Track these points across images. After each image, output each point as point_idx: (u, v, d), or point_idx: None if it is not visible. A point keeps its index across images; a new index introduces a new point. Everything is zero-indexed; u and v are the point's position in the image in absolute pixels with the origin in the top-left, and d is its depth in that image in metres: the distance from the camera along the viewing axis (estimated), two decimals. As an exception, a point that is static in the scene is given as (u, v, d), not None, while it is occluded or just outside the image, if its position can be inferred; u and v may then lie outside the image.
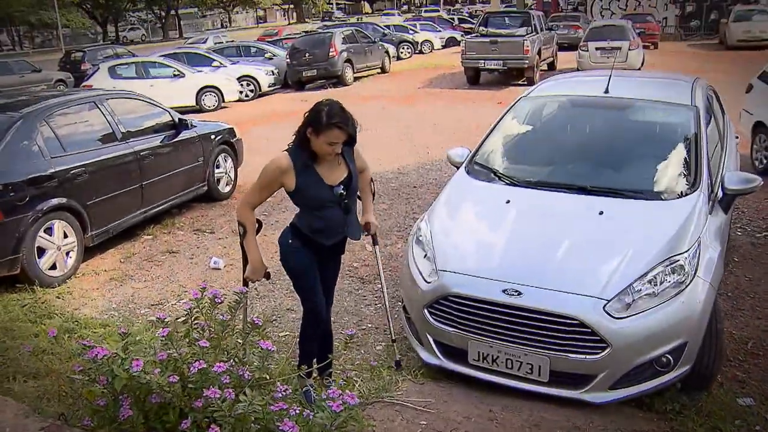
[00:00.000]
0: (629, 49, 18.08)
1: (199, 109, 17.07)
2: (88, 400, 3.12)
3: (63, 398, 3.74)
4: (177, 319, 4.28)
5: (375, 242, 4.09)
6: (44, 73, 24.04)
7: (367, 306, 5.40)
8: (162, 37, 62.16)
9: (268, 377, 3.11)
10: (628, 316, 3.47)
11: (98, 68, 17.40)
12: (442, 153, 10.87)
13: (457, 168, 5.04)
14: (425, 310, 3.91)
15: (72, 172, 6.06)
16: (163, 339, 3.04)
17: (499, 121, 5.23)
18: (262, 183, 3.48)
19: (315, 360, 3.81)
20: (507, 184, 4.52)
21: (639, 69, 17.80)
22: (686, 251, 3.70)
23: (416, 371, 4.15)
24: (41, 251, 5.81)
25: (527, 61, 17.41)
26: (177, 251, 6.91)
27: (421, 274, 4.02)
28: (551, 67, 21.05)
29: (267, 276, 3.68)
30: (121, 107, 7.12)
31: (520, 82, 18.43)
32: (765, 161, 8.30)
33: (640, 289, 3.55)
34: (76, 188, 6.10)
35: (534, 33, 18.21)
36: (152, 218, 7.51)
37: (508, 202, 4.27)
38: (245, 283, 3.67)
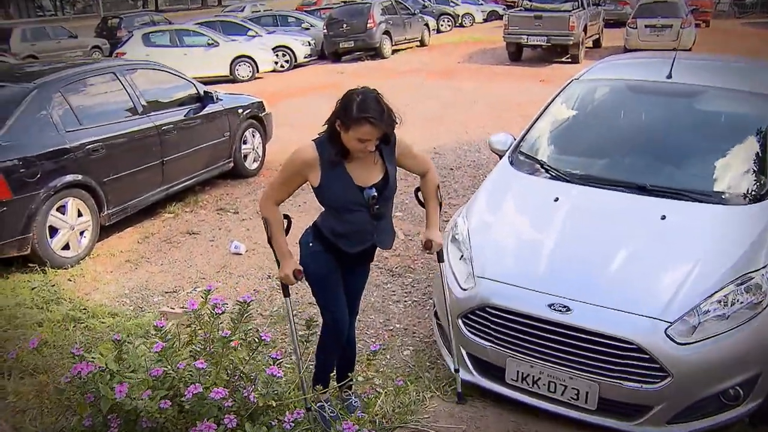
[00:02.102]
0: (681, 28, 17.19)
1: (232, 79, 16.77)
2: (78, 414, 2.80)
3: (52, 410, 3.42)
4: (179, 323, 3.94)
5: (440, 259, 3.53)
6: (80, 40, 24.03)
7: (395, 303, 4.98)
8: (200, 4, 61.90)
9: (274, 403, 2.71)
10: (693, 342, 2.99)
11: (132, 35, 17.14)
12: (482, 133, 10.44)
13: (500, 156, 4.56)
14: (459, 320, 3.48)
15: (88, 147, 5.71)
16: (158, 354, 2.66)
17: (547, 106, 4.71)
18: (284, 176, 3.05)
19: (334, 373, 3.43)
20: (555, 178, 4.02)
21: (690, 49, 16.90)
22: (763, 267, 3.19)
23: (446, 386, 3.74)
24: (53, 230, 5.50)
25: (572, 38, 16.65)
26: (198, 232, 6.57)
27: (456, 278, 3.58)
28: (596, 44, 20.20)
29: (299, 275, 3.15)
30: (142, 79, 6.75)
31: (564, 60, 17.72)
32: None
33: (708, 311, 3.06)
34: (92, 164, 5.75)
35: (580, 8, 17.41)
36: (174, 196, 7.17)
37: (556, 200, 3.78)
38: (285, 291, 3.25)
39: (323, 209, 3.14)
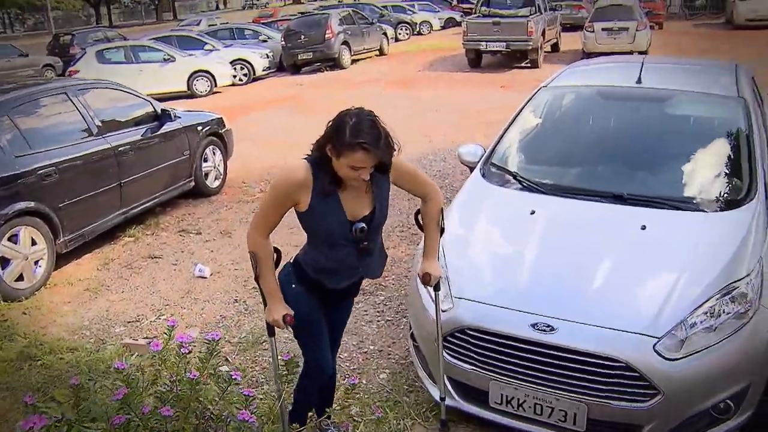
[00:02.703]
0: (636, 30, 17.42)
1: (190, 95, 16.45)
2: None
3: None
4: (142, 359, 3.72)
5: (436, 288, 3.16)
6: (31, 58, 23.25)
7: (368, 323, 4.81)
8: (155, 19, 61.07)
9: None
10: (682, 357, 2.88)
11: (85, 52, 16.72)
12: (445, 141, 10.36)
13: (470, 168, 4.43)
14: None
15: (40, 172, 5.43)
16: (119, 402, 2.45)
17: (516, 115, 4.61)
18: (274, 201, 2.72)
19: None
20: (530, 190, 3.90)
21: (646, 51, 17.13)
22: (747, 275, 3.11)
23: (427, 412, 3.58)
24: (5, 261, 5.21)
25: (531, 43, 16.77)
26: (160, 256, 6.32)
27: (432, 299, 3.42)
28: (555, 48, 20.43)
29: (290, 321, 2.84)
30: (96, 98, 6.48)
31: (523, 65, 17.81)
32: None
33: (696, 323, 2.96)
34: (45, 190, 5.47)
35: (537, 13, 17.56)
36: (134, 218, 6.89)
37: (533, 212, 3.66)
38: (270, 331, 2.96)
39: (306, 242, 2.91)
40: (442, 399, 3.33)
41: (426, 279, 3.04)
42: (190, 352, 2.68)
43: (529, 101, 4.68)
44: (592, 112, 4.55)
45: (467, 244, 3.62)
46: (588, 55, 17.02)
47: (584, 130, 4.45)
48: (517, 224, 3.67)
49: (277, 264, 2.89)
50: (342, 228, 2.71)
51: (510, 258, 3.47)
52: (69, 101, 6.08)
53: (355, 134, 2.46)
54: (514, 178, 4.04)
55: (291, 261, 2.97)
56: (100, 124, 6.27)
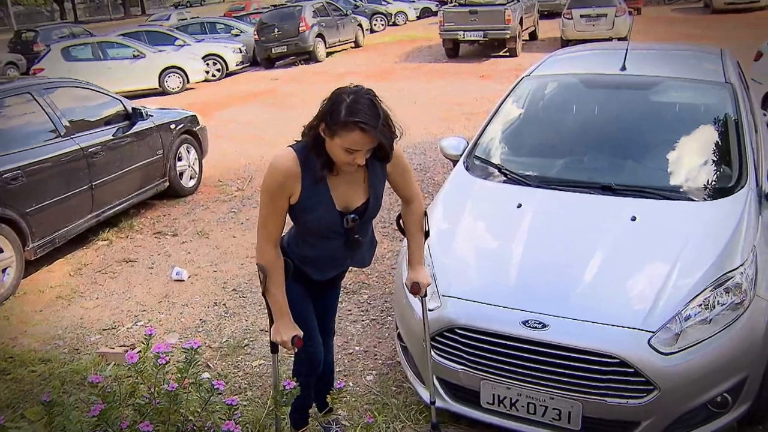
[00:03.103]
0: (615, 16, 17.45)
1: (162, 92, 16.23)
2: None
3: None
4: (119, 371, 3.61)
5: (424, 294, 3.04)
6: None
7: (352, 323, 4.74)
8: (123, 14, 60.26)
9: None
10: (678, 351, 2.85)
11: (50, 50, 16.36)
12: (425, 134, 10.29)
13: (453, 162, 4.37)
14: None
15: (5, 176, 5.28)
16: (95, 419, 2.35)
17: (499, 106, 4.55)
18: (267, 203, 2.56)
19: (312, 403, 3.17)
20: (516, 182, 3.85)
21: (626, 37, 17.19)
22: (741, 265, 3.08)
23: (416, 414, 3.53)
24: (-29, 271, 5.07)
25: (509, 31, 16.74)
26: (135, 260, 6.20)
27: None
28: (533, 36, 20.45)
29: (299, 344, 2.71)
30: (63, 97, 6.32)
31: (501, 54, 17.80)
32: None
33: (690, 316, 2.92)
34: (10, 195, 5.32)
35: (515, 1, 17.50)
36: (107, 221, 6.76)
37: (519, 206, 3.60)
38: (274, 348, 2.82)
39: (291, 229, 2.80)
40: (432, 402, 3.27)
41: (415, 289, 2.95)
42: (167, 362, 2.59)
43: (511, 91, 4.62)
44: (576, 100, 4.50)
45: (453, 240, 3.55)
46: (567, 42, 17.09)
47: (569, 119, 4.40)
48: (503, 218, 3.61)
49: (287, 275, 2.70)
50: (331, 220, 2.60)
51: (498, 253, 3.41)
52: (34, 101, 5.92)
53: (352, 112, 2.30)
54: (499, 170, 3.99)
55: None
56: (68, 125, 6.12)
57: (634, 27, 18.71)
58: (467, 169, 4.12)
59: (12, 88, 6.00)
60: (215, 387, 2.56)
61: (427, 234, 2.96)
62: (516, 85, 4.68)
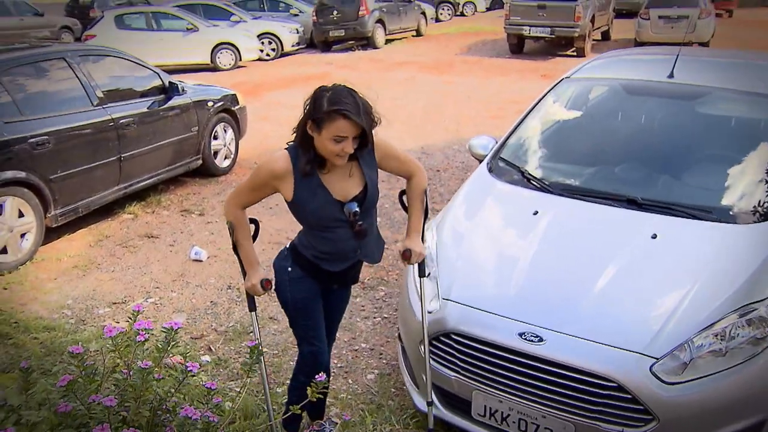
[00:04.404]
0: (698, 18, 16.80)
1: (214, 68, 16.52)
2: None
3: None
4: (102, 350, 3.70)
5: (421, 273, 3.18)
6: (48, 18, 22.74)
7: (364, 319, 4.77)
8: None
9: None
10: (684, 382, 2.77)
11: (103, 16, 16.79)
12: (474, 131, 10.16)
13: (480, 162, 4.34)
14: (422, 346, 3.26)
15: (31, 140, 5.47)
16: (62, 389, 2.43)
17: (533, 107, 4.50)
18: (252, 184, 2.85)
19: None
20: (536, 189, 3.81)
21: (707, 43, 16.66)
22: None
23: (408, 418, 3.53)
24: (-12, 233, 5.28)
25: (578, 29, 16.45)
26: (157, 235, 6.36)
27: (420, 299, 3.35)
28: (605, 36, 20.03)
29: (268, 285, 2.94)
30: (99, 67, 6.52)
31: (568, 53, 17.55)
32: None
33: (702, 345, 2.83)
34: (35, 160, 5.51)
35: (588, -3, 17.19)
36: (134, 195, 6.95)
37: (535, 213, 3.56)
38: (251, 304, 3.03)
39: (301, 231, 2.99)
40: (430, 404, 3.27)
41: (406, 255, 3.06)
42: (147, 339, 2.65)
43: (549, 92, 4.57)
44: (616, 107, 4.42)
45: (461, 243, 3.54)
46: (641, 45, 16.62)
47: (605, 126, 4.32)
48: (516, 224, 3.58)
49: (255, 235, 3.00)
50: (331, 209, 2.77)
51: (504, 260, 3.38)
52: (68, 68, 6.12)
53: (334, 102, 2.55)
54: (522, 174, 3.94)
55: (287, 246, 3.05)
56: (101, 94, 6.30)
57: (719, 31, 18.11)
58: (490, 170, 4.09)
59: (47, 52, 6.19)
60: (189, 369, 2.61)
61: (426, 211, 3.09)
62: (554, 86, 4.62)
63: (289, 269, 2.96)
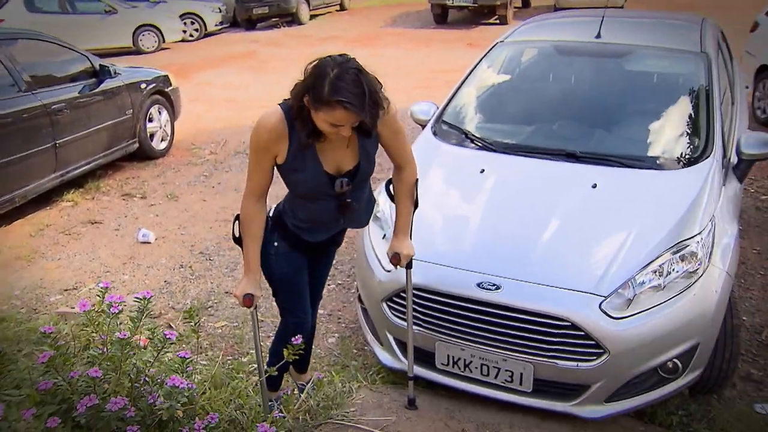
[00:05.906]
0: (614, -17, 17.35)
1: (136, 51, 16.13)
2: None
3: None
4: (76, 324, 3.72)
5: (409, 266, 3.03)
6: None
7: (320, 287, 4.88)
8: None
9: (181, 414, 2.58)
10: (629, 316, 3.00)
11: (11, -2, 16.01)
12: (406, 102, 10.29)
13: (422, 127, 4.49)
14: (384, 304, 3.41)
15: (-41, 131, 5.33)
16: (45, 365, 2.48)
17: (471, 71, 4.66)
18: (252, 159, 2.64)
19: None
20: (481, 148, 3.98)
21: (622, 6, 17.21)
22: (698, 234, 3.23)
23: (374, 375, 3.68)
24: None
25: (500, -2, 16.70)
26: (100, 221, 6.29)
27: (378, 259, 3.49)
28: (525, 4, 20.45)
29: (247, 304, 2.78)
30: (24, 51, 6.32)
31: (491, 21, 17.82)
32: (768, 111, 7.88)
33: (644, 282, 3.07)
34: (-34, 150, 5.37)
35: (507, -35, 17.47)
36: (72, 182, 6.83)
37: (482, 171, 3.73)
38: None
39: (287, 194, 2.88)
40: (411, 378, 3.30)
41: (395, 260, 2.99)
42: (120, 311, 2.71)
43: (484, 56, 4.73)
44: (548, 67, 4.63)
45: (415, 204, 3.67)
46: (560, 10, 17.00)
47: (540, 86, 4.53)
48: (465, 183, 3.75)
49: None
50: (320, 181, 2.64)
51: (457, 217, 3.55)
52: (-8, 53, 5.94)
53: (336, 90, 2.28)
54: (465, 136, 4.11)
55: (271, 213, 2.92)
56: (29, 80, 6.14)
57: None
58: (434, 134, 4.24)
59: (-33, 39, 5.98)
60: (167, 337, 2.69)
61: (416, 204, 2.97)
62: (489, 50, 4.79)
63: (275, 243, 2.88)
